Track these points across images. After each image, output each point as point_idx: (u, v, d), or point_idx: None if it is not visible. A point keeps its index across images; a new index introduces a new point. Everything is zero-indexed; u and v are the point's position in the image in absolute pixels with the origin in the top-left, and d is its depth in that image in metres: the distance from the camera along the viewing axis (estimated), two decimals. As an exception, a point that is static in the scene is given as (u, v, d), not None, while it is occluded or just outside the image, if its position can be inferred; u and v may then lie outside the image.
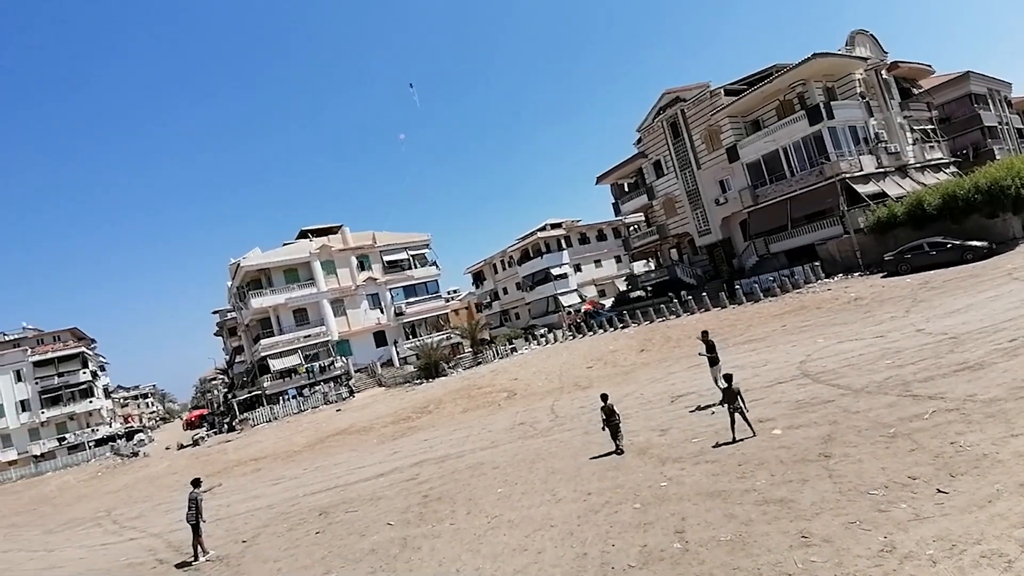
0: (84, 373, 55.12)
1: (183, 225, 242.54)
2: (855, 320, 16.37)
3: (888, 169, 31.29)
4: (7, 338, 55.88)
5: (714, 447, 8.22)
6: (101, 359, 66.06)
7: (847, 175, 28.78)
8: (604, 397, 9.86)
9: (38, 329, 58.15)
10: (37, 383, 52.70)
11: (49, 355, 54.20)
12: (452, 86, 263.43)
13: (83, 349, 56.62)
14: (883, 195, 28.80)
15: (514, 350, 41.27)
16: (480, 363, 39.73)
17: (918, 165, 33.40)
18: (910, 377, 8.95)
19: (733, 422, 8.33)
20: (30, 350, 53.73)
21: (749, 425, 8.26)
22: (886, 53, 35.53)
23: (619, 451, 9.30)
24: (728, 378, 8.48)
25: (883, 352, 11.24)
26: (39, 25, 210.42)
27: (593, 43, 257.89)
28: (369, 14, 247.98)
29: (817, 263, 27.98)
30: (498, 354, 40.70)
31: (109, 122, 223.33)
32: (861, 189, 28.56)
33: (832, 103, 30.17)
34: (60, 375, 53.82)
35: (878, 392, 8.66)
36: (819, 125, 29.48)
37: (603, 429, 9.61)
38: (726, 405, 8.39)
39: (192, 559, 9.33)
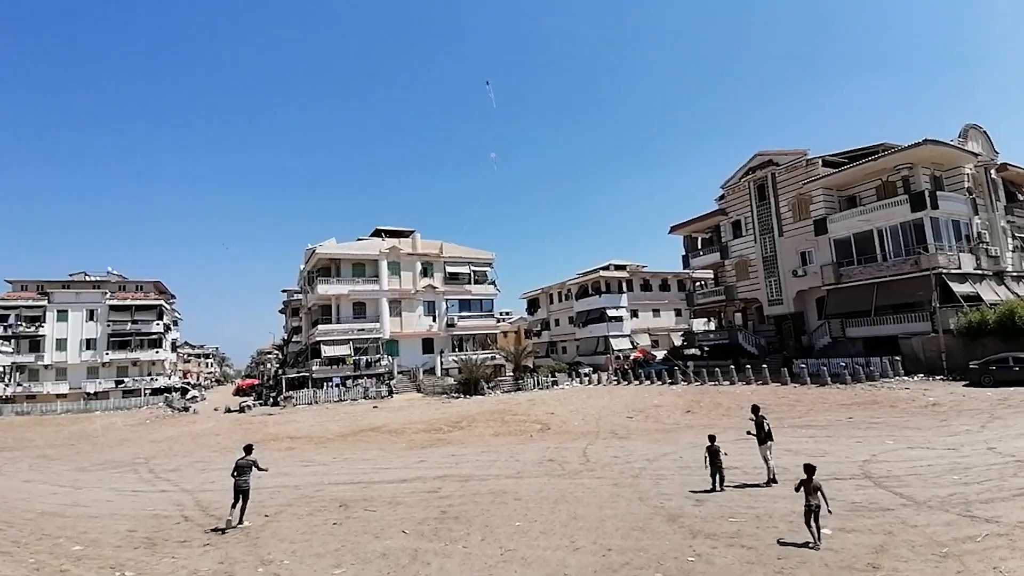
0: (157, 325, 59.26)
1: (278, 208, 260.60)
2: (929, 427, 15.06)
3: (986, 272, 29.04)
4: (89, 278, 59.91)
5: (780, 543, 7.19)
6: (176, 314, 71.06)
7: (944, 270, 26.82)
8: (712, 438, 10.33)
9: (122, 276, 62.16)
10: (109, 325, 56.20)
11: (128, 302, 58.16)
12: (554, 121, 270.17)
13: (162, 303, 61.04)
14: (978, 298, 26.65)
15: (555, 383, 40.78)
16: (520, 389, 39.51)
17: (1015, 274, 30.93)
18: (973, 496, 8.53)
19: (809, 519, 7.07)
20: (110, 294, 57.67)
21: (817, 530, 7.02)
22: (997, 153, 33.43)
23: (720, 488, 9.99)
24: (809, 469, 7.36)
25: (952, 466, 10.51)
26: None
27: (698, 98, 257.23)
28: (486, 43, 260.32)
29: (898, 358, 26.02)
30: (539, 384, 40.34)
31: (232, 106, 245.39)
32: (956, 288, 26.51)
33: (938, 192, 28.39)
34: (134, 322, 57.53)
35: (940, 508, 8.12)
36: (921, 213, 27.74)
37: (705, 468, 10.22)
38: (803, 497, 7.19)
39: (228, 525, 9.33)
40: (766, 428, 10.34)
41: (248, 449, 9.83)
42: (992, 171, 32.49)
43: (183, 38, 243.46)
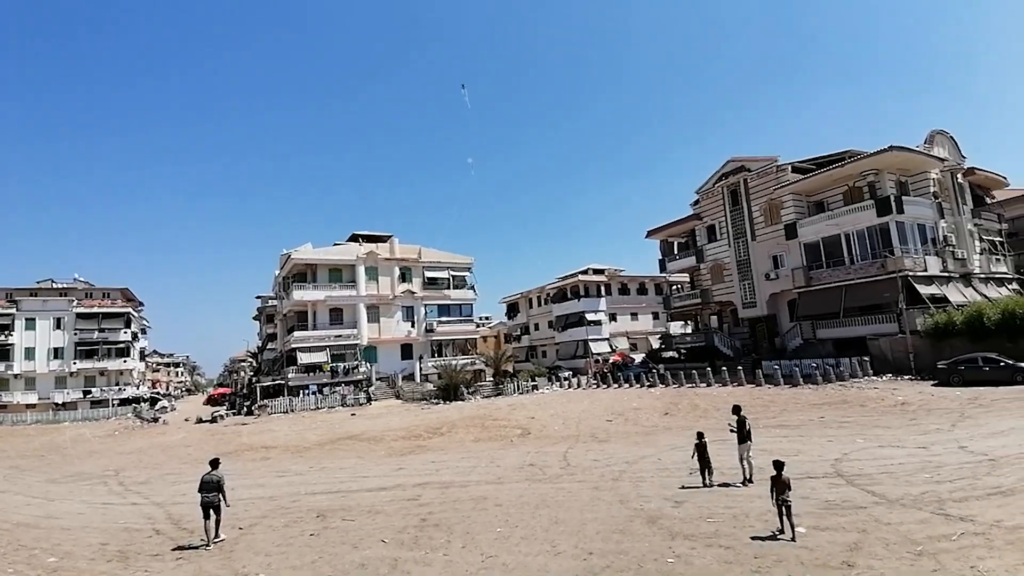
0: (125, 333, 57.47)
1: (249, 212, 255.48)
2: (899, 426, 15.50)
3: (952, 274, 30.01)
4: (56, 286, 57.78)
5: (753, 539, 7.44)
6: (144, 323, 69.04)
7: (910, 273, 27.70)
8: (700, 435, 10.79)
9: (89, 283, 60.06)
10: (76, 334, 54.51)
11: (95, 309, 56.38)
12: (526, 128, 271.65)
13: (129, 310, 59.25)
14: (944, 300, 27.54)
15: (535, 387, 40.80)
16: (500, 394, 39.41)
17: (982, 276, 31.97)
18: (946, 495, 8.70)
19: (782, 514, 7.43)
20: (77, 301, 55.84)
21: (792, 525, 7.35)
22: (964, 157, 34.64)
23: (710, 482, 10.45)
24: (778, 465, 7.73)
25: (923, 465, 10.77)
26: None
27: (673, 105, 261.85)
28: (467, 52, 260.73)
29: (867, 358, 26.74)
30: (519, 388, 40.31)
31: (203, 112, 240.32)
32: (923, 290, 27.38)
33: (903, 197, 29.36)
34: (101, 330, 55.77)
35: (913, 506, 8.29)
36: (887, 217, 28.64)
37: (692, 459, 10.81)
38: (773, 495, 7.55)
39: (206, 543, 8.93)
40: (747, 428, 10.52)
41: (215, 463, 9.37)
42: (959, 175, 33.47)
43: (152, 44, 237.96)
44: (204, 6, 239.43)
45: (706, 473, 10.58)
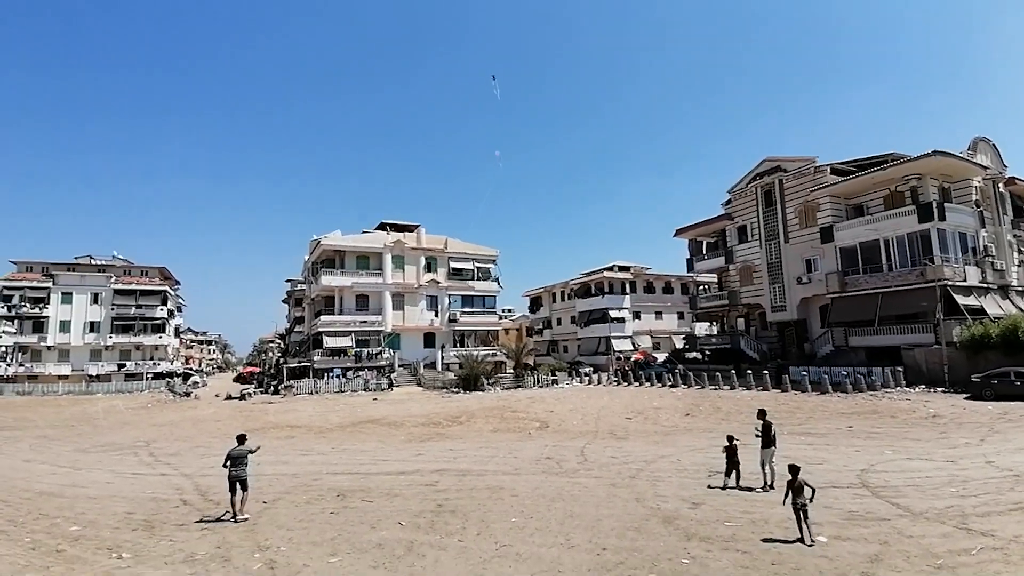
0: (161, 310, 59.53)
1: (284, 199, 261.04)
2: (929, 439, 15.03)
3: (991, 286, 28.90)
4: (94, 262, 60.03)
5: (770, 544, 7.40)
6: (180, 300, 71.35)
7: (949, 282, 26.70)
8: (730, 438, 10.75)
9: (128, 261, 62.25)
10: (113, 309, 56.56)
11: (133, 286, 58.50)
12: (559, 122, 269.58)
13: (166, 288, 61.31)
14: (982, 311, 26.54)
15: (555, 382, 40.81)
16: (519, 387, 39.56)
17: (1020, 288, 30.74)
18: (970, 510, 8.52)
19: (799, 519, 7.40)
20: (115, 278, 58.00)
21: (808, 530, 7.35)
22: (1006, 166, 33.26)
23: (737, 485, 10.39)
24: (794, 469, 7.69)
25: (950, 479, 10.52)
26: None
27: (704, 102, 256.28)
28: (499, 48, 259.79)
29: (900, 368, 25.93)
30: (539, 382, 40.38)
31: (242, 99, 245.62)
32: (961, 300, 26.40)
33: (946, 204, 28.25)
34: (138, 307, 57.85)
35: (936, 520, 8.12)
36: (929, 224, 27.60)
37: (724, 453, 10.74)
38: (790, 498, 7.51)
39: (232, 516, 9.11)
40: (772, 433, 10.38)
41: (241, 439, 9.57)
42: (1000, 184, 32.28)
43: (195, 33, 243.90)
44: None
45: (734, 475, 10.50)
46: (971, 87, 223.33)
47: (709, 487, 10.62)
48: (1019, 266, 31.94)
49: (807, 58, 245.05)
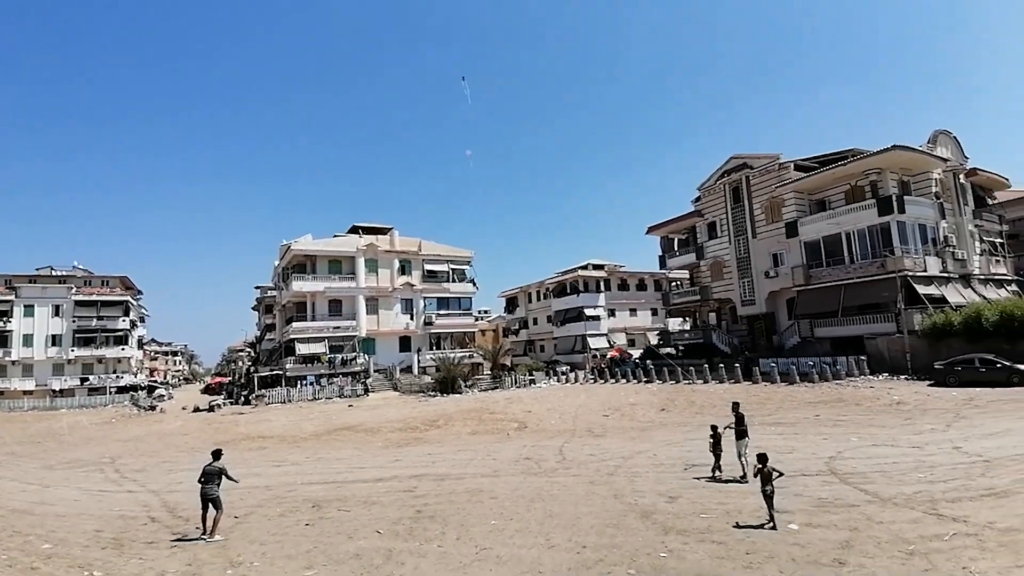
0: (123, 321, 57.43)
1: (250, 200, 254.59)
2: (894, 425, 15.57)
3: (952, 275, 30.03)
4: (55, 273, 57.85)
5: (735, 527, 7.80)
6: (143, 311, 69.00)
7: (909, 273, 27.71)
8: (714, 428, 11.12)
9: (88, 271, 60.14)
10: (74, 321, 54.60)
11: (94, 297, 56.39)
12: (527, 120, 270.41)
13: (128, 298, 59.18)
14: (943, 300, 27.57)
15: (532, 382, 40.90)
16: (497, 388, 39.50)
17: (982, 277, 32.00)
18: (939, 495, 8.71)
19: (768, 505, 7.83)
20: (75, 288, 55.89)
21: (772, 515, 7.74)
22: (967, 158, 34.56)
23: (719, 472, 10.77)
24: (762, 458, 8.05)
25: (917, 464, 10.81)
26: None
27: (671, 99, 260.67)
28: (464, 48, 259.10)
29: (864, 357, 26.80)
30: (516, 382, 40.39)
31: (202, 98, 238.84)
32: (922, 290, 27.40)
33: (905, 197, 29.31)
34: (99, 318, 55.81)
35: (905, 505, 8.31)
36: (888, 217, 28.61)
37: (711, 451, 11.07)
38: (760, 485, 7.94)
39: (203, 533, 8.77)
40: (744, 425, 10.64)
41: (217, 454, 9.19)
42: (961, 176, 33.44)
43: (156, 30, 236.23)
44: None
45: (719, 465, 10.91)
46: (935, 80, 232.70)
47: (696, 478, 10.91)
48: (981, 255, 33.08)
49: (773, 55, 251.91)
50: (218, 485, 8.79)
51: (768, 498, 7.78)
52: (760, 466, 7.97)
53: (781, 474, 8.00)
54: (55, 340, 54.12)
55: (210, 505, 8.73)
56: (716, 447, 10.88)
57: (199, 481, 8.86)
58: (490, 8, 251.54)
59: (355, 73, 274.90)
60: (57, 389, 52.18)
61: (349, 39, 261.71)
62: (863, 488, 9.41)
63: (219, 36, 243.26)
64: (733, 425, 10.83)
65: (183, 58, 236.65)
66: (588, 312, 53.62)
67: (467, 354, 46.99)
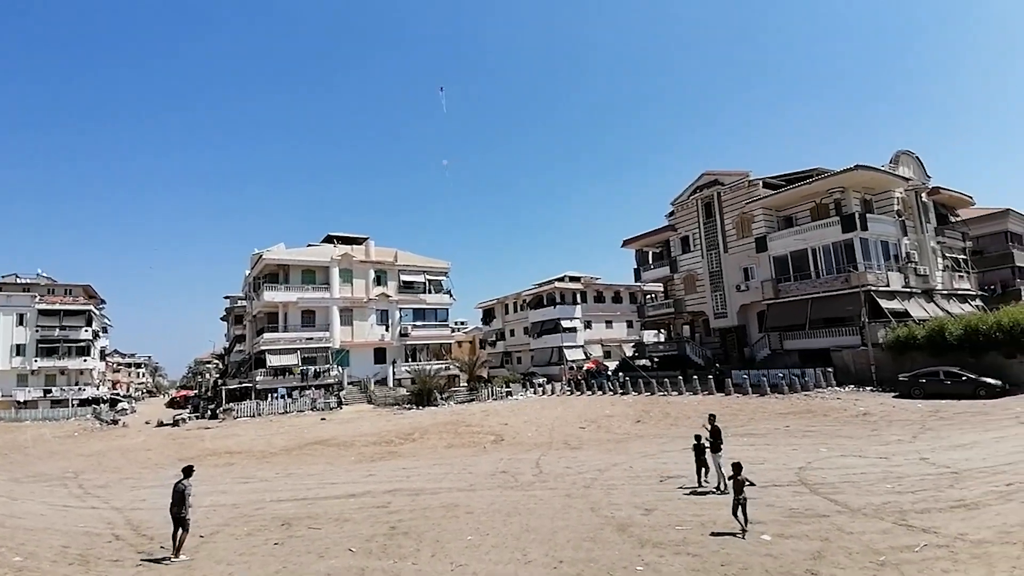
0: (86, 331, 55.37)
1: (218, 207, 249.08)
2: (861, 436, 15.96)
3: (915, 290, 31.14)
4: (19, 281, 56.19)
5: (712, 535, 7.95)
6: (106, 321, 66.57)
7: (872, 288, 28.66)
8: (698, 437, 11.07)
9: (52, 279, 58.45)
10: (38, 331, 52.87)
11: (56, 306, 54.57)
12: (502, 127, 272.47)
13: (91, 308, 57.10)
14: (906, 314, 28.54)
15: (509, 394, 40.75)
16: (473, 400, 39.22)
17: (945, 292, 33.22)
18: (908, 506, 8.83)
19: (736, 511, 8.05)
20: (39, 297, 54.14)
21: (742, 523, 7.93)
22: (929, 177, 36.05)
23: (706, 482, 10.78)
24: (737, 467, 8.27)
25: (885, 475, 11.01)
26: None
27: (644, 112, 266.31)
28: (437, 58, 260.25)
29: (830, 369, 27.51)
30: (493, 395, 40.19)
31: (167, 98, 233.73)
32: (885, 304, 28.35)
33: (868, 215, 30.45)
34: (62, 328, 54.03)
35: (875, 516, 8.45)
36: (851, 234, 29.63)
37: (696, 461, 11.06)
38: (732, 495, 8.16)
39: (172, 555, 8.42)
40: (720, 439, 10.74)
41: (188, 471, 8.88)
42: (923, 194, 34.83)
43: (120, 30, 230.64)
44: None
45: (702, 473, 10.95)
46: (901, 102, 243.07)
47: (680, 489, 11.01)
48: (944, 271, 34.30)
49: (744, 71, 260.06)
50: (184, 504, 8.46)
51: (742, 506, 7.95)
52: (734, 475, 8.19)
53: (752, 484, 8.28)
54: (19, 350, 52.21)
55: (181, 527, 8.42)
56: (700, 457, 10.97)
57: (170, 506, 8.45)
58: (461, 15, 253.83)
59: (326, 75, 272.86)
60: (21, 400, 50.43)
61: (321, 41, 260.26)
62: (833, 499, 9.60)
63: (183, 35, 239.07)
64: (710, 438, 10.94)
65: (150, 59, 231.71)
66: (565, 324, 53.85)
67: (443, 366, 46.58)
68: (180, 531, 8.43)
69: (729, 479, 8.36)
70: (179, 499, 8.41)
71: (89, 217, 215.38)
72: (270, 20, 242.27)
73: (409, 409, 36.15)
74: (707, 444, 10.90)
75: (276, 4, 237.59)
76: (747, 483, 8.15)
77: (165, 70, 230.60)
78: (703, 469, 10.94)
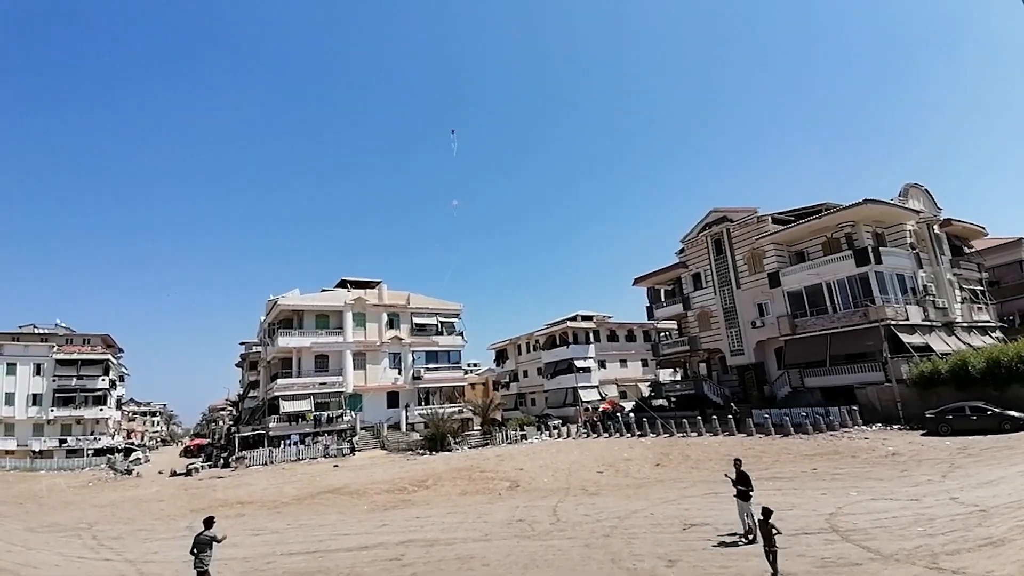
0: (103, 380, 56.02)
1: (237, 254, 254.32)
2: (891, 477, 15.37)
3: (935, 323, 30.52)
4: (37, 331, 57.42)
5: None
6: (123, 370, 67.29)
7: (892, 322, 28.15)
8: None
9: (70, 329, 59.61)
10: (55, 380, 53.69)
11: (74, 356, 55.49)
12: (508, 169, 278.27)
13: (108, 357, 57.93)
14: (928, 349, 27.90)
15: (524, 437, 39.99)
16: (488, 444, 38.51)
17: (965, 324, 32.55)
18: (939, 548, 8.63)
19: (769, 555, 7.83)
20: (56, 347, 55.11)
21: (774, 571, 7.64)
22: (940, 209, 35.91)
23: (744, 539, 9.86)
24: (766, 512, 8.01)
25: (916, 518, 10.66)
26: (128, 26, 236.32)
27: (647, 148, 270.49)
28: (442, 99, 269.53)
29: (855, 407, 26.72)
30: (507, 438, 39.46)
31: (181, 149, 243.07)
32: (906, 339, 27.76)
33: (881, 248, 30.23)
34: (79, 377, 54.79)
35: (907, 561, 8.19)
36: (866, 267, 29.37)
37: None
38: (762, 543, 7.89)
39: None
40: (749, 486, 10.11)
41: (208, 522, 8.98)
42: (935, 226, 34.63)
43: (131, 76, 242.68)
44: (185, 34, 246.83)
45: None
46: (907, 133, 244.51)
47: (711, 544, 10.09)
48: (962, 303, 33.68)
49: (742, 107, 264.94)
50: (208, 555, 8.54)
51: (773, 555, 7.73)
52: (764, 520, 7.98)
53: (779, 532, 7.98)
54: (36, 399, 53.08)
55: None
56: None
57: (191, 552, 8.55)
58: (473, 54, 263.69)
59: (338, 124, 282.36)
60: (37, 450, 50.89)
61: (330, 89, 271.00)
62: (865, 545, 9.19)
63: (199, 82, 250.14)
64: (736, 485, 10.34)
65: (169, 108, 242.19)
66: (578, 364, 53.27)
67: (457, 409, 46.04)
68: None
69: (759, 526, 8.05)
70: (202, 549, 8.50)
71: (107, 266, 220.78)
72: (273, 71, 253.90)
73: (422, 454, 35.54)
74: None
75: (275, 56, 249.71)
76: (774, 531, 7.84)
77: (181, 118, 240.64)
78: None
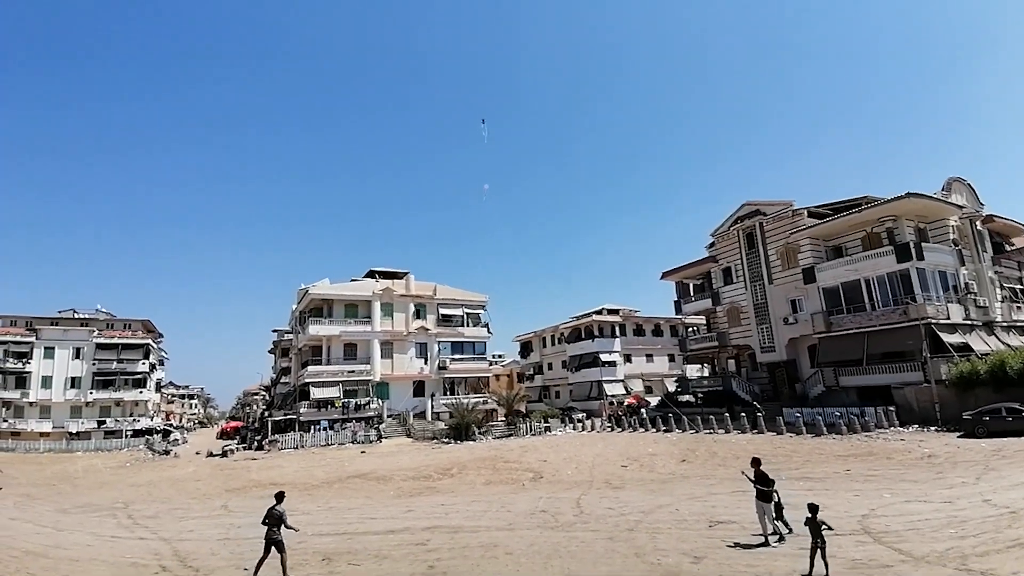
0: (143, 364, 58.21)
1: (269, 242, 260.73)
2: (926, 479, 14.90)
3: (975, 323, 29.35)
4: (77, 316, 59.44)
5: None
6: (163, 354, 69.89)
7: (932, 320, 27.11)
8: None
9: (111, 314, 61.67)
10: (95, 364, 55.55)
11: (115, 340, 57.49)
12: (540, 159, 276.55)
13: (149, 342, 60.15)
14: (968, 348, 26.87)
15: (548, 429, 40.08)
16: (511, 435, 38.75)
17: (1004, 324, 31.30)
18: (969, 550, 8.52)
19: (814, 555, 7.81)
20: (97, 332, 57.17)
21: (825, 565, 7.68)
22: (982, 205, 34.44)
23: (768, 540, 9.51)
24: (813, 508, 8.01)
25: (949, 520, 10.45)
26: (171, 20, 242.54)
27: (677, 140, 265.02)
28: (473, 95, 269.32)
29: (892, 408, 25.91)
30: (531, 430, 39.62)
31: (220, 138, 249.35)
32: (946, 338, 26.74)
33: (923, 244, 29.08)
34: (120, 361, 56.71)
35: (937, 563, 8.09)
36: (907, 264, 28.29)
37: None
38: (812, 540, 7.88)
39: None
40: (770, 486, 9.73)
41: (279, 497, 9.39)
42: (978, 223, 33.25)
43: (173, 66, 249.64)
44: (226, 26, 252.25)
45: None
46: (950, 127, 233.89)
47: (750, 544, 9.67)
48: (1002, 302, 32.43)
49: (778, 100, 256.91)
50: (279, 528, 8.93)
51: (821, 551, 7.75)
52: (811, 517, 7.96)
53: (830, 528, 8.04)
54: (74, 382, 54.90)
55: (275, 547, 8.85)
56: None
57: (263, 523, 8.97)
58: (500, 44, 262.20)
59: (366, 113, 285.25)
60: (74, 432, 52.52)
61: (355, 78, 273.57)
62: (897, 547, 8.98)
63: (236, 73, 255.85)
64: (755, 484, 10.05)
65: (195, 96, 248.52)
66: (604, 357, 52.98)
67: (481, 400, 46.46)
68: (279, 553, 8.81)
69: (805, 523, 8.09)
70: (276, 522, 8.88)
71: (150, 251, 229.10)
72: (300, 61, 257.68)
73: (447, 443, 36.00)
74: (751, 478, 10.06)
75: (307, 48, 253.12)
76: (824, 526, 7.88)
77: (220, 107, 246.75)
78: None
